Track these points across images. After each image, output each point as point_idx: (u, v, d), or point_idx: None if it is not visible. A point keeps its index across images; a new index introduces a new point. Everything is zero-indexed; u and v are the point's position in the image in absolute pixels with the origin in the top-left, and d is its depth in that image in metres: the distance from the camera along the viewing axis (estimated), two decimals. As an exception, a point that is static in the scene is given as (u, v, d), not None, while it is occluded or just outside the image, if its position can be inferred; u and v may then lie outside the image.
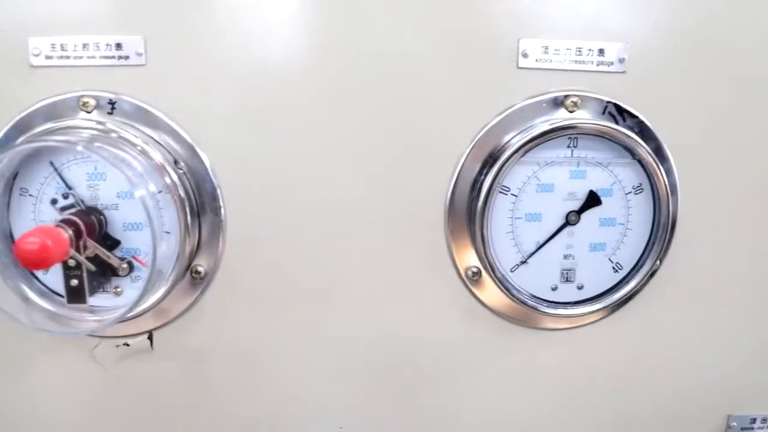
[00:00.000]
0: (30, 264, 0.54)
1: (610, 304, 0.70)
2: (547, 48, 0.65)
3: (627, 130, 0.66)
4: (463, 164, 0.66)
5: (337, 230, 0.67)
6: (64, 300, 0.63)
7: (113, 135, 0.63)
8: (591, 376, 0.74)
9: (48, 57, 0.62)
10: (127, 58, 0.63)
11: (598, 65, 0.66)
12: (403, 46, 0.64)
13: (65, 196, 0.64)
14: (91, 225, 0.62)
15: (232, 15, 0.63)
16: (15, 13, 0.61)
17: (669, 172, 0.69)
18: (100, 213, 0.64)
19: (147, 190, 0.62)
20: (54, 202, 0.64)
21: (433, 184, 0.67)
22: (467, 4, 0.64)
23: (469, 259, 0.68)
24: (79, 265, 0.61)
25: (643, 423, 0.77)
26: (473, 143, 0.66)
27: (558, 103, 0.66)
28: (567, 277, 0.69)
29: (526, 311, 0.69)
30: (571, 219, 0.67)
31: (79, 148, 0.58)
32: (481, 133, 0.66)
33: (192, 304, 0.68)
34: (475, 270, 0.68)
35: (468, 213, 0.66)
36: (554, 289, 0.69)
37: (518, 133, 0.65)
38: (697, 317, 0.74)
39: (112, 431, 0.70)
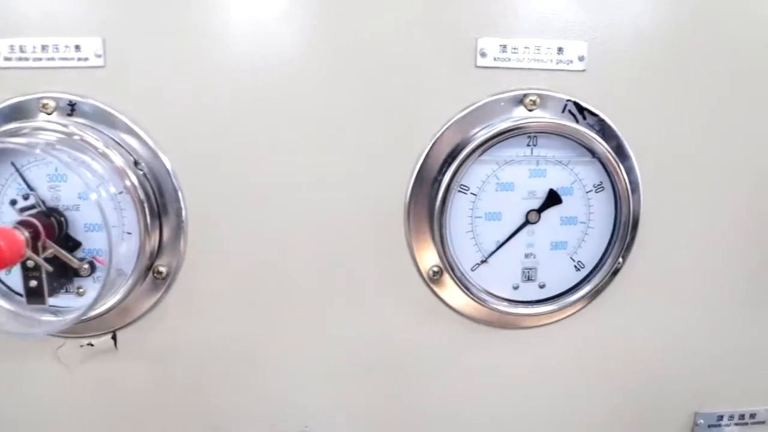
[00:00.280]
0: (-17, 264, 0.55)
1: (573, 303, 0.69)
2: (505, 47, 0.65)
3: (586, 129, 0.66)
4: (422, 164, 0.66)
5: (299, 231, 0.67)
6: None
7: (74, 137, 0.64)
8: (554, 375, 0.74)
9: (7, 59, 0.63)
10: (86, 59, 0.63)
11: (557, 63, 0.66)
12: (360, 47, 0.64)
13: (26, 197, 0.65)
14: (50, 226, 0.62)
15: (192, 16, 0.63)
16: (-27, 16, 0.61)
17: (630, 170, 0.69)
18: (61, 214, 0.65)
19: (107, 192, 0.63)
20: (14, 203, 0.64)
21: (393, 183, 0.67)
22: (425, 3, 0.64)
23: (430, 258, 0.68)
24: (37, 266, 0.61)
25: (609, 422, 0.77)
26: (432, 142, 0.66)
27: (517, 101, 0.66)
28: (528, 276, 0.69)
29: (487, 310, 0.69)
30: (531, 218, 0.67)
31: (38, 151, 0.59)
32: (440, 133, 0.66)
33: (155, 304, 0.68)
34: (436, 269, 0.68)
35: (428, 212, 0.66)
36: (516, 288, 0.69)
37: (477, 133, 0.65)
38: (661, 315, 0.74)
39: (77, 431, 0.71)
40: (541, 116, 0.65)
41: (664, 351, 0.76)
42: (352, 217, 0.67)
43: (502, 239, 0.68)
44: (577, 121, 0.67)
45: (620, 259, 0.70)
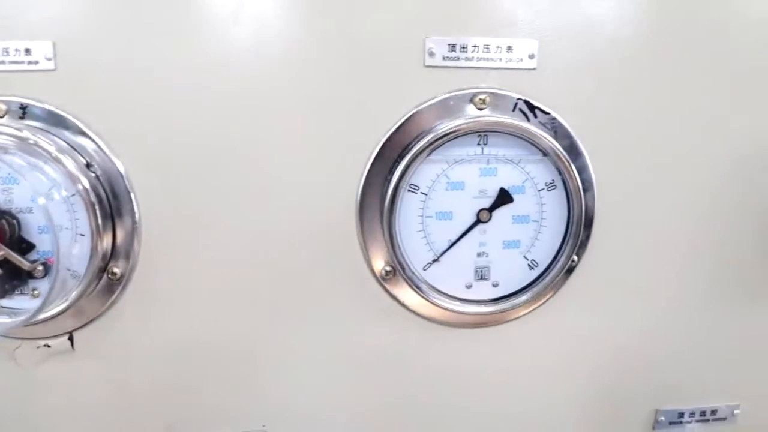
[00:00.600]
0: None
1: (527, 302, 0.69)
2: (453, 46, 0.65)
3: (536, 127, 0.65)
4: (372, 164, 0.66)
5: (252, 232, 0.68)
6: (-24, 303, 0.64)
7: (27, 141, 0.64)
8: (510, 374, 0.74)
9: (-43, 63, 0.63)
10: (36, 63, 0.64)
11: (507, 62, 0.66)
12: (310, 45, 0.64)
13: (-22, 200, 0.65)
14: (1, 229, 0.63)
15: (142, 19, 0.63)
16: None
17: (583, 168, 0.69)
18: (13, 216, 0.65)
19: (60, 195, 0.64)
20: (-34, 206, 0.65)
21: (345, 184, 0.67)
22: (373, 3, 0.64)
23: (382, 258, 0.68)
24: (-11, 268, 0.62)
25: (568, 421, 0.77)
26: (381, 143, 0.66)
27: (467, 101, 0.66)
28: (481, 275, 0.69)
29: (440, 310, 0.69)
30: (482, 217, 0.67)
31: (-10, 155, 0.59)
32: (389, 133, 0.66)
33: (110, 305, 0.69)
34: (388, 269, 0.68)
35: (379, 212, 0.67)
36: (469, 287, 0.69)
37: (425, 132, 0.65)
38: (618, 313, 0.74)
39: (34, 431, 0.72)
40: (490, 115, 0.65)
41: (623, 349, 0.76)
42: (305, 218, 0.67)
43: (453, 238, 0.68)
44: (528, 120, 0.67)
45: (575, 258, 0.70)
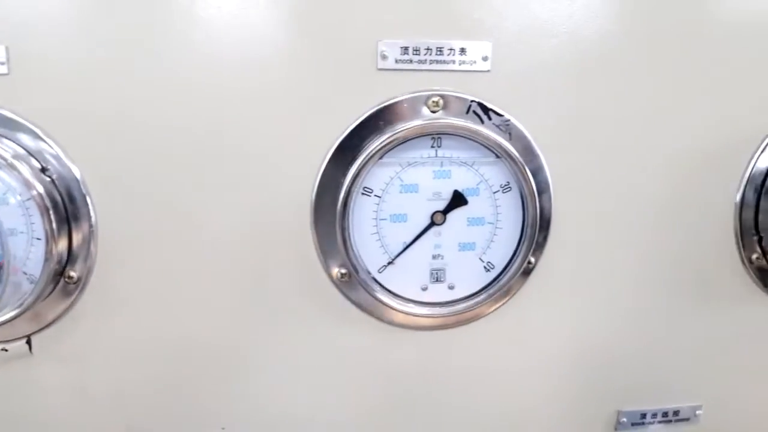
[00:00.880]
0: None
1: (484, 303, 0.69)
2: (406, 48, 0.65)
3: (489, 130, 0.66)
4: (325, 168, 0.66)
5: (209, 236, 0.68)
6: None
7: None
8: (470, 376, 0.75)
9: None
10: (-10, 67, 0.64)
11: (460, 64, 0.66)
12: (263, 50, 0.64)
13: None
14: (-49, 233, 0.63)
15: (98, 24, 0.63)
16: None
17: (539, 170, 0.69)
18: (-33, 221, 0.65)
19: (15, 199, 0.64)
20: None
21: (299, 188, 0.67)
22: (325, 6, 0.64)
23: (338, 261, 0.68)
24: (-59, 273, 0.62)
25: (529, 423, 0.78)
26: (334, 146, 0.66)
27: (420, 103, 0.66)
28: (437, 277, 0.69)
29: (396, 312, 0.69)
30: (436, 219, 0.67)
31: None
32: (342, 136, 0.66)
33: (68, 309, 0.69)
34: (344, 272, 0.68)
35: (333, 216, 0.67)
36: (425, 289, 0.70)
37: (378, 135, 0.65)
38: (578, 314, 0.74)
39: (-6, 434, 0.72)
40: (443, 117, 0.65)
41: (584, 350, 0.76)
42: (261, 222, 0.68)
43: (408, 241, 0.68)
44: (483, 122, 0.67)
45: (531, 259, 0.70)
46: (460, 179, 0.67)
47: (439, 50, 0.65)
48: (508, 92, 0.67)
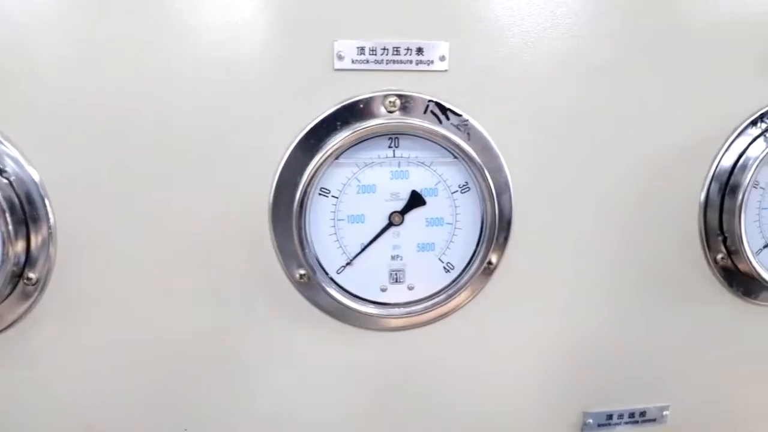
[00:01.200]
0: None
1: (443, 304, 0.69)
2: (362, 49, 0.65)
3: (446, 130, 0.65)
4: (282, 169, 0.66)
5: (169, 238, 0.68)
6: None
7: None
8: (433, 377, 0.74)
9: None
10: (-53, 69, 0.64)
11: (417, 64, 0.66)
12: (218, 52, 0.64)
13: None
14: None
15: (54, 24, 0.63)
16: None
17: (498, 170, 0.68)
18: (-75, 223, 0.65)
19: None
20: None
21: (257, 189, 0.67)
22: (281, 6, 0.63)
23: (297, 262, 0.68)
24: None
25: (493, 424, 0.77)
26: (291, 147, 0.66)
27: (377, 103, 0.66)
28: (396, 278, 0.69)
29: (355, 313, 0.68)
30: (394, 220, 0.67)
31: None
32: (300, 137, 0.66)
33: (28, 310, 0.69)
34: (303, 273, 0.68)
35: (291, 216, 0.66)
36: (384, 290, 0.69)
37: (334, 136, 0.65)
38: (541, 315, 0.74)
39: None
40: (399, 117, 0.65)
41: (548, 351, 0.75)
42: (221, 223, 0.67)
43: (366, 242, 0.67)
44: (441, 122, 0.67)
45: (492, 260, 0.70)
46: (418, 179, 0.67)
47: (396, 50, 0.65)
48: (466, 92, 0.67)
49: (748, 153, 0.72)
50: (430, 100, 0.66)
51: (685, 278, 0.75)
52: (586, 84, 0.68)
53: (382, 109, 0.66)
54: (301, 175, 0.65)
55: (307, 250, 0.65)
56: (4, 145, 0.66)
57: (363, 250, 0.68)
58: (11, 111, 0.64)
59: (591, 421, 0.78)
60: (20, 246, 0.67)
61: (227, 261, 0.69)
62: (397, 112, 0.66)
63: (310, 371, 0.73)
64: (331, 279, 0.68)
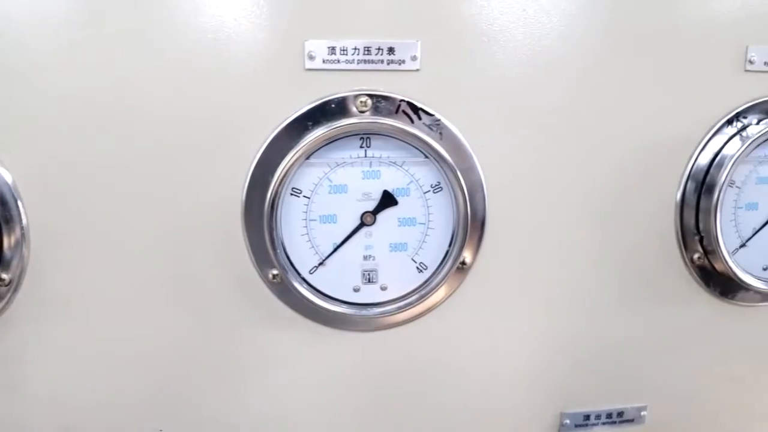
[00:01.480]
0: None
1: (417, 303, 0.69)
2: (333, 48, 0.64)
3: (418, 129, 0.65)
4: (254, 169, 0.66)
5: (143, 237, 0.68)
6: None
7: None
8: (407, 377, 0.74)
9: None
10: None
11: (388, 64, 0.65)
12: (190, 51, 0.63)
13: None
14: None
15: (23, 23, 0.63)
16: None
17: (471, 169, 0.68)
18: None
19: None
20: None
21: (229, 190, 0.67)
22: (252, 6, 0.63)
23: (270, 262, 0.68)
24: None
25: (469, 426, 0.77)
26: (263, 147, 0.66)
27: (348, 103, 0.65)
28: (369, 278, 0.69)
29: (329, 313, 0.68)
30: (366, 220, 0.67)
31: None
32: (271, 137, 0.65)
33: (0, 312, 0.69)
34: (275, 273, 0.68)
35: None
36: (357, 290, 0.69)
37: (305, 136, 0.65)
38: (517, 315, 0.74)
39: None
40: (370, 117, 0.65)
41: (524, 351, 0.75)
42: (194, 224, 0.67)
43: (338, 242, 0.67)
44: (413, 122, 0.66)
45: (466, 260, 0.69)
46: (390, 179, 0.67)
47: (368, 50, 0.65)
48: (438, 92, 0.67)
49: (724, 152, 0.72)
50: (402, 100, 0.66)
51: (662, 278, 0.75)
52: (559, 83, 0.67)
53: (354, 109, 0.66)
54: (272, 175, 0.65)
55: (278, 251, 0.65)
56: (-24, 147, 0.66)
57: (335, 250, 0.67)
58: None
59: (568, 421, 0.78)
60: (-7, 247, 0.67)
61: (200, 262, 0.68)
62: (369, 112, 0.66)
63: (284, 372, 0.72)
64: (304, 279, 0.68)
